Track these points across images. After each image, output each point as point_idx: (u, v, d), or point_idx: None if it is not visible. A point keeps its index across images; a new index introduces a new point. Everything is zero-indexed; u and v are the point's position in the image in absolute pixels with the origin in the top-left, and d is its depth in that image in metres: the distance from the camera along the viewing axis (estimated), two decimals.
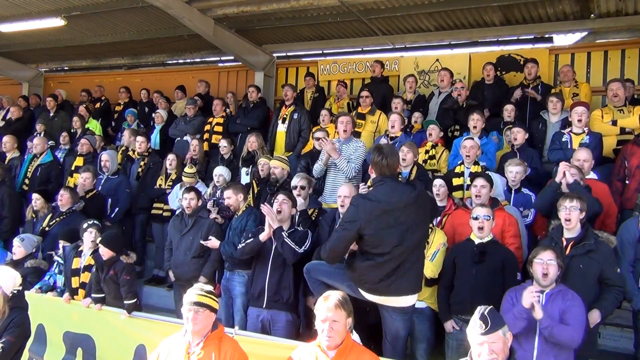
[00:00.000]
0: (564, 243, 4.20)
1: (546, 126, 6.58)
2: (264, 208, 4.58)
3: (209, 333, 3.42)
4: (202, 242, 5.52)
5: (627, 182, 5.57)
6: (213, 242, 5.43)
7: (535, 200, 5.14)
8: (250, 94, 8.71)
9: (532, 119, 7.03)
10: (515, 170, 5.44)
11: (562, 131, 6.09)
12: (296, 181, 5.53)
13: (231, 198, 5.54)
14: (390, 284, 3.76)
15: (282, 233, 4.52)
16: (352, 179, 5.59)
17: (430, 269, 4.46)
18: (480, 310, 2.81)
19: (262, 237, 4.62)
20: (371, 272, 3.73)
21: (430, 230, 4.68)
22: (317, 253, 4.24)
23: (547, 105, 6.64)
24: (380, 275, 3.72)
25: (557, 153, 5.85)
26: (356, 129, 7.18)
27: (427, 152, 6.62)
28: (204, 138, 8.38)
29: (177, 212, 6.20)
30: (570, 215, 4.17)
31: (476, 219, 4.38)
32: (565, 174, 4.77)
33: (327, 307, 3.18)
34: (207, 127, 8.53)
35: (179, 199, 6.79)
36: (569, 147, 5.83)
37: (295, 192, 5.36)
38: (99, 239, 5.21)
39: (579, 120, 5.91)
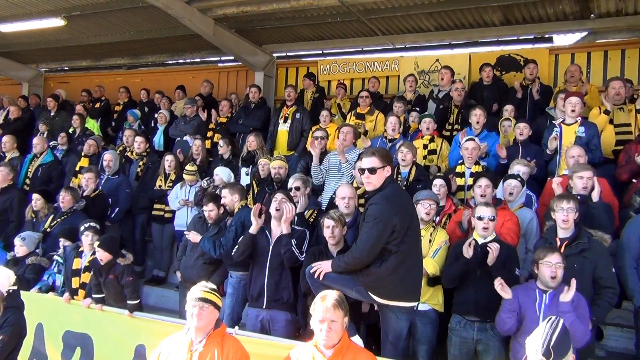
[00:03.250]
0: (558, 243, 4.19)
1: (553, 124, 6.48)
2: (286, 209, 4.54)
3: (212, 331, 3.42)
4: (185, 232, 5.44)
5: (633, 180, 5.56)
6: (193, 236, 5.33)
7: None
8: (252, 95, 8.72)
9: (532, 119, 7.02)
10: (521, 171, 5.44)
11: (554, 121, 6.06)
12: (291, 183, 5.53)
13: (226, 198, 5.53)
14: (409, 286, 3.73)
15: (292, 240, 4.49)
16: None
17: (432, 265, 4.46)
18: (546, 336, 2.59)
19: (252, 230, 4.61)
20: (392, 274, 3.65)
21: (433, 228, 4.71)
22: (308, 260, 4.22)
23: (557, 101, 6.59)
24: (401, 277, 3.67)
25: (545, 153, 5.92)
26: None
27: (425, 146, 6.60)
28: (207, 136, 8.38)
29: (201, 212, 5.98)
30: (568, 217, 4.18)
31: (481, 219, 4.35)
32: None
33: (325, 307, 3.19)
34: (212, 125, 8.55)
35: (180, 200, 6.82)
36: (558, 140, 5.80)
37: (292, 194, 5.35)
38: (97, 242, 5.15)
39: (573, 111, 5.88)
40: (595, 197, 4.69)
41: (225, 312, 5.21)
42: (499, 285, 3.83)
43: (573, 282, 3.63)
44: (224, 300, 5.31)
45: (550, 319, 2.73)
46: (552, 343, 2.57)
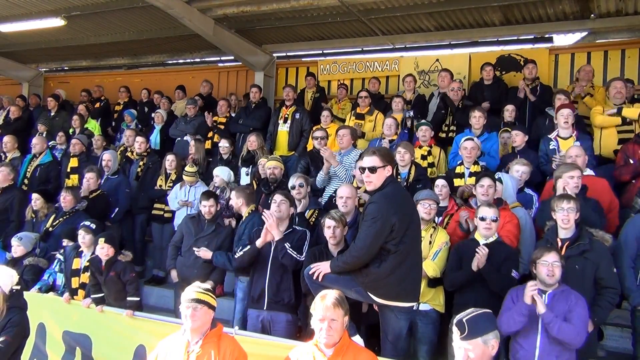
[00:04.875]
0: (559, 244, 4.19)
1: (553, 123, 6.40)
2: (265, 216, 4.51)
3: (208, 331, 3.41)
4: (194, 249, 5.37)
5: (632, 181, 5.55)
6: (204, 253, 5.30)
7: (538, 219, 5.04)
8: (253, 95, 8.72)
9: (532, 119, 7.03)
10: (521, 170, 5.43)
11: (549, 136, 6.04)
12: (293, 181, 5.51)
13: (232, 200, 5.56)
14: (408, 286, 3.73)
15: (285, 244, 4.47)
16: None
17: (433, 267, 4.45)
18: (462, 315, 2.76)
19: (259, 243, 4.58)
20: (392, 274, 3.64)
21: (433, 229, 4.70)
22: (308, 260, 4.21)
23: (554, 102, 6.58)
24: (400, 277, 3.66)
25: (545, 168, 5.89)
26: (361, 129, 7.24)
27: (424, 157, 6.57)
28: (208, 136, 8.38)
29: (193, 212, 5.97)
30: (569, 217, 4.17)
31: (483, 219, 4.36)
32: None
33: (325, 306, 3.19)
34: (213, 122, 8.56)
35: (179, 201, 6.82)
36: (556, 154, 5.76)
37: (294, 192, 5.34)
38: (102, 238, 5.17)
39: (566, 122, 5.89)
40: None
41: (235, 317, 5.23)
42: (531, 296, 3.67)
43: (537, 297, 3.63)
44: (230, 303, 5.35)
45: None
46: (466, 318, 2.70)
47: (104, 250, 5.11)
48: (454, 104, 7.26)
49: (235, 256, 4.81)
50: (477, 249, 4.15)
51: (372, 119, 7.63)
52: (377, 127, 7.52)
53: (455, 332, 2.73)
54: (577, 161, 5.15)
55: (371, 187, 3.76)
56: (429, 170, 6.51)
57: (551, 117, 6.56)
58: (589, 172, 5.35)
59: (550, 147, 5.93)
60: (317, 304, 3.23)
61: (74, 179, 7.67)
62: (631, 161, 5.57)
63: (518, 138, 6.14)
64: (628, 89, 6.63)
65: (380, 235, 3.59)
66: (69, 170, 7.87)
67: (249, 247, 4.67)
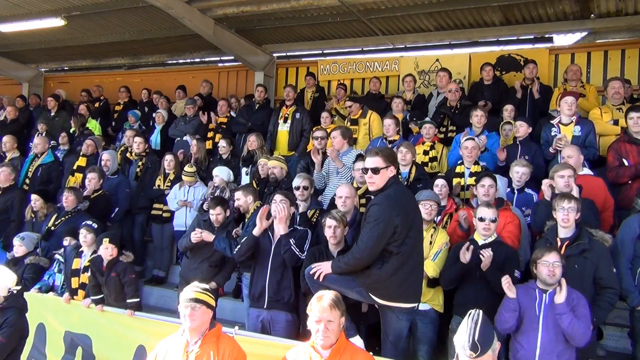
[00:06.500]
0: (559, 243, 4.19)
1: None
2: (277, 209, 4.48)
3: (207, 331, 3.41)
4: (197, 230, 5.31)
5: (629, 182, 5.52)
6: (207, 235, 5.28)
7: (532, 222, 5.07)
8: (258, 94, 8.71)
9: (531, 118, 7.01)
10: (521, 171, 5.42)
11: (551, 122, 6.07)
12: (298, 182, 5.46)
13: (240, 199, 5.55)
14: (409, 288, 3.73)
15: (290, 240, 4.45)
16: None
17: (433, 268, 4.45)
18: (470, 331, 2.70)
19: (255, 231, 4.58)
20: (393, 275, 3.64)
21: (434, 229, 4.70)
22: (309, 260, 4.20)
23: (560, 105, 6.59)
24: (401, 279, 3.66)
25: (546, 152, 5.92)
26: (353, 136, 7.18)
27: (426, 152, 6.60)
28: (208, 136, 8.38)
29: (205, 216, 5.77)
30: (569, 216, 4.18)
31: (482, 220, 4.36)
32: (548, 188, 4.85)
33: (321, 307, 3.19)
34: (212, 125, 8.56)
35: (179, 201, 6.82)
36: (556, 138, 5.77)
37: (297, 193, 5.33)
38: (106, 238, 5.16)
39: (569, 109, 5.91)
40: (575, 194, 4.64)
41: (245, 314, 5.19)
42: (507, 283, 3.80)
43: (563, 282, 3.65)
44: (230, 303, 5.32)
45: (470, 313, 2.80)
46: (476, 337, 2.67)
47: (108, 251, 5.11)
48: (451, 110, 7.24)
49: (234, 252, 4.80)
50: (480, 252, 4.13)
51: (366, 122, 7.48)
52: (373, 128, 7.45)
53: (469, 355, 2.66)
54: (568, 162, 5.15)
55: (373, 187, 3.74)
56: (431, 164, 6.53)
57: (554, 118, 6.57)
58: (586, 171, 5.35)
59: (552, 133, 5.95)
60: (313, 305, 3.23)
61: (77, 177, 7.64)
62: (626, 162, 5.51)
63: (522, 129, 6.14)
64: (626, 89, 6.62)
65: (382, 237, 3.58)
66: (75, 167, 7.82)
67: (245, 238, 4.67)
